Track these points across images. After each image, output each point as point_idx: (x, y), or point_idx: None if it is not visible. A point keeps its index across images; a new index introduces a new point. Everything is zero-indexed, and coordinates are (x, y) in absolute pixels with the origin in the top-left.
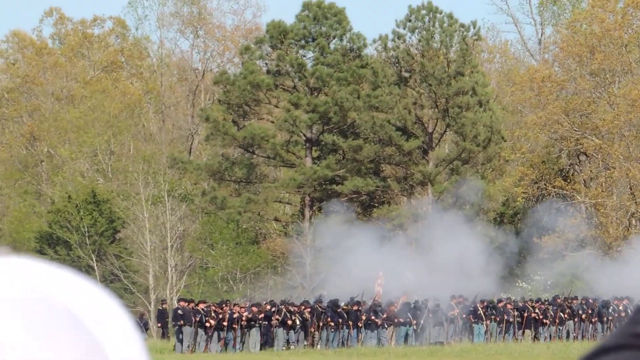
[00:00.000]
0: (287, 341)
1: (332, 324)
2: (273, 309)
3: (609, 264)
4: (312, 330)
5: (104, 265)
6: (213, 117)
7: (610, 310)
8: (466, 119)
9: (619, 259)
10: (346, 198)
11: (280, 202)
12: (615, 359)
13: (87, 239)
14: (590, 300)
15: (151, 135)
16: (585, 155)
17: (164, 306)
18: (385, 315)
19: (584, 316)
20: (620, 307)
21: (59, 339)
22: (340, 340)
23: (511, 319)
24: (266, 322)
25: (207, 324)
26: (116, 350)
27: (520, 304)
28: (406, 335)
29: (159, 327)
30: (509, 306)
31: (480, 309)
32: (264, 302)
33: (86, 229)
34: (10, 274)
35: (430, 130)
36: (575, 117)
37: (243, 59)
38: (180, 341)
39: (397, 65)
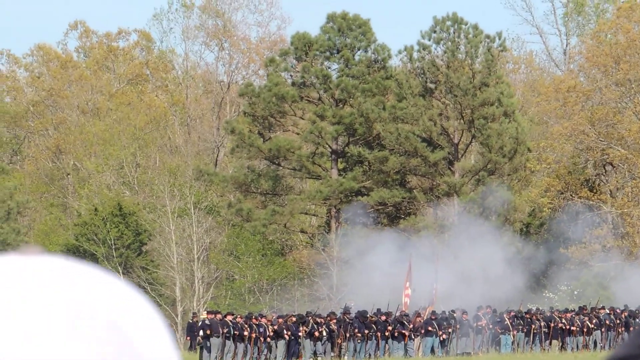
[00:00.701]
0: (315, 352)
1: (359, 334)
2: (300, 321)
3: (636, 273)
4: (339, 341)
5: (130, 278)
6: (239, 129)
7: (638, 320)
8: (492, 130)
9: None
10: (372, 209)
11: (306, 213)
12: None
13: (113, 252)
14: (618, 310)
15: (177, 148)
16: (612, 165)
17: (194, 319)
18: (411, 326)
19: (611, 326)
20: None
21: (92, 337)
22: (367, 352)
23: (538, 329)
24: (293, 334)
25: (235, 336)
26: (149, 351)
27: (547, 314)
28: (433, 346)
29: (187, 339)
30: (536, 316)
31: (507, 319)
32: (291, 314)
33: (113, 242)
34: (44, 273)
35: (455, 141)
36: (601, 127)
37: (268, 71)
38: (208, 352)
39: (422, 76)
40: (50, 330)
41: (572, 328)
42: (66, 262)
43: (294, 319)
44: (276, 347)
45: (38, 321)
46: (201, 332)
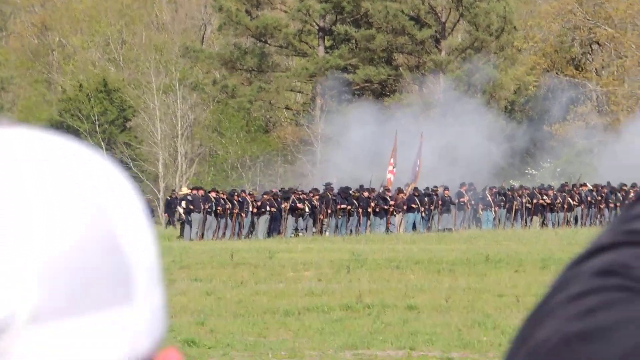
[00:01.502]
0: (296, 228)
1: (341, 210)
2: (283, 197)
3: (618, 150)
4: (321, 217)
5: (114, 154)
6: (226, 7)
7: (619, 197)
8: (479, 8)
9: (627, 141)
10: (358, 87)
11: (291, 90)
12: (613, 257)
13: (97, 128)
14: (600, 187)
15: (163, 25)
16: (598, 44)
17: (172, 196)
18: (393, 202)
19: (592, 202)
20: (632, 194)
21: (62, 206)
22: (349, 228)
23: (519, 206)
24: (275, 210)
25: (217, 211)
26: (121, 219)
27: (529, 191)
28: (414, 223)
29: (165, 215)
30: (519, 192)
31: (489, 196)
32: (273, 190)
33: (97, 118)
34: (13, 142)
35: (443, 19)
36: (589, 6)
37: None
38: (190, 227)
39: None
40: (22, 202)
41: (554, 204)
42: (36, 132)
43: (278, 194)
44: (258, 222)
45: (9, 195)
46: (182, 208)
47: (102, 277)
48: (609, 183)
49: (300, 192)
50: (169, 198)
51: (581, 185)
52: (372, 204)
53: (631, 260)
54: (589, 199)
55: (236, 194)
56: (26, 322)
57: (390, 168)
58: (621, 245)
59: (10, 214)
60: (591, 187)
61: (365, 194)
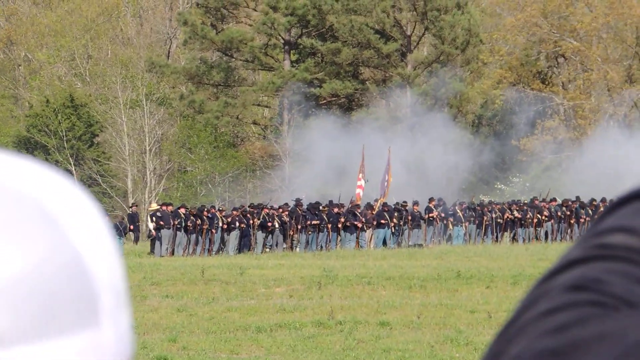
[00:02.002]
0: (265, 244)
1: (311, 226)
2: (252, 212)
3: (587, 165)
4: (291, 233)
5: (82, 170)
6: (191, 21)
7: (588, 211)
8: (444, 21)
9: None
10: (324, 101)
11: (258, 105)
12: (584, 271)
13: (65, 143)
14: (569, 202)
15: (129, 39)
16: (564, 57)
17: (132, 209)
18: (364, 218)
19: (562, 217)
20: (601, 208)
21: (24, 230)
22: (319, 243)
23: (490, 221)
24: (245, 226)
25: (187, 227)
26: (86, 245)
27: (499, 206)
28: (385, 238)
29: (130, 229)
30: (489, 207)
31: (459, 211)
32: (243, 206)
33: (64, 133)
34: None
35: (408, 33)
36: (554, 19)
37: None
38: (160, 244)
39: None
40: None
41: (524, 219)
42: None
43: (249, 210)
44: (228, 238)
45: None
46: (152, 224)
47: (68, 301)
48: (578, 198)
49: (269, 208)
50: (130, 212)
51: (550, 201)
52: (342, 220)
53: (602, 274)
54: (558, 214)
55: (205, 209)
56: None
57: (359, 183)
58: (592, 260)
59: None
60: (560, 202)
61: (335, 209)
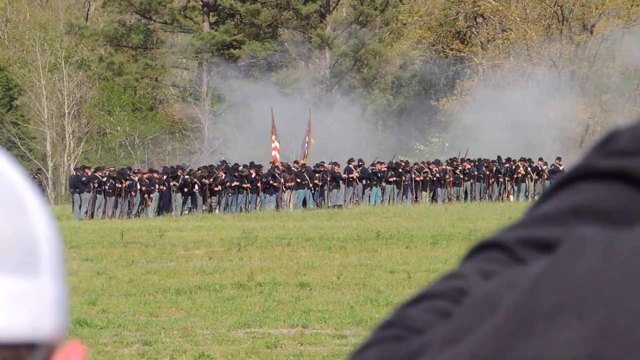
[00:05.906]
0: (184, 206)
1: (231, 188)
2: (171, 175)
3: (505, 124)
4: (210, 195)
5: (0, 133)
6: None
7: (508, 170)
8: None
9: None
10: (244, 63)
11: (177, 67)
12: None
13: None
14: (487, 162)
15: (47, 2)
16: (483, 17)
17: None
18: (283, 179)
19: (480, 177)
20: (520, 168)
21: None
22: (239, 205)
23: (409, 181)
24: (165, 188)
25: (105, 190)
26: (27, 190)
27: (418, 166)
28: (305, 199)
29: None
30: (408, 167)
31: (378, 171)
32: (162, 167)
33: None
34: None
35: None
36: None
37: None
38: (79, 207)
39: None
40: None
41: (443, 179)
42: None
43: (167, 173)
44: (149, 200)
45: None
46: (71, 189)
47: (9, 243)
48: (499, 157)
49: (189, 170)
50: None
51: (470, 160)
52: (262, 181)
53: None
54: (477, 173)
55: (125, 172)
56: None
57: (273, 145)
58: (563, 214)
59: None
60: (478, 161)
61: (254, 171)
